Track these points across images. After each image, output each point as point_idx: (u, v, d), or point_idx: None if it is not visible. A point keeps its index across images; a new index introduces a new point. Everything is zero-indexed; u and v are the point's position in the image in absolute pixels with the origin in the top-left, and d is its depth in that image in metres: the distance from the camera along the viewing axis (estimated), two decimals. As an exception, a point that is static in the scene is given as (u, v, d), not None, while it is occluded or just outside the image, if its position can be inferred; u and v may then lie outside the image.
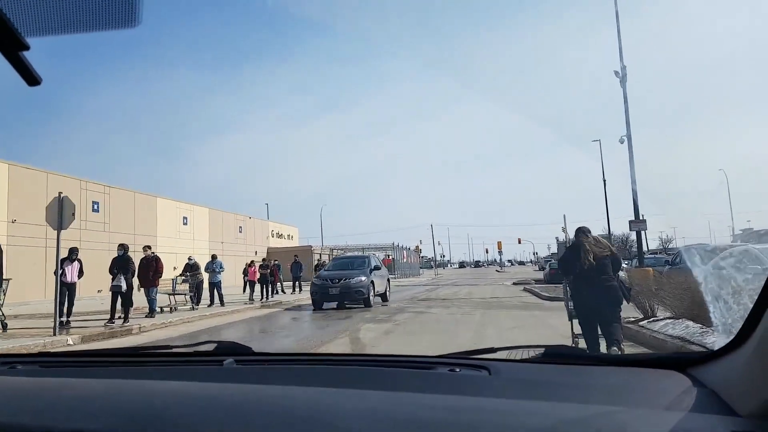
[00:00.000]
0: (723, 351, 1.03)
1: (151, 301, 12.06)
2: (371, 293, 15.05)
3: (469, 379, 1.17)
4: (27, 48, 0.70)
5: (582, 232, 6.46)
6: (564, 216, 75.13)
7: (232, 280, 36.26)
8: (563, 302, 8.41)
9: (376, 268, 16.07)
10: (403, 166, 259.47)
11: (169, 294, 13.84)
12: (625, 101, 20.27)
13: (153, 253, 12.56)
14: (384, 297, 16.88)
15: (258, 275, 19.74)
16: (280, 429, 0.74)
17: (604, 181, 51.98)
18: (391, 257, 52.66)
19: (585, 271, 6.10)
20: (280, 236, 49.10)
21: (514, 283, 30.25)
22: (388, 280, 18.17)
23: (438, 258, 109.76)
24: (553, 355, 1.36)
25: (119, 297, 10.98)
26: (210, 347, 1.52)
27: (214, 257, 16.51)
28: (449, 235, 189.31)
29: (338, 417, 0.78)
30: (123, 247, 12.06)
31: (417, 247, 68.71)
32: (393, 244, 50.85)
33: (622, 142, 20.63)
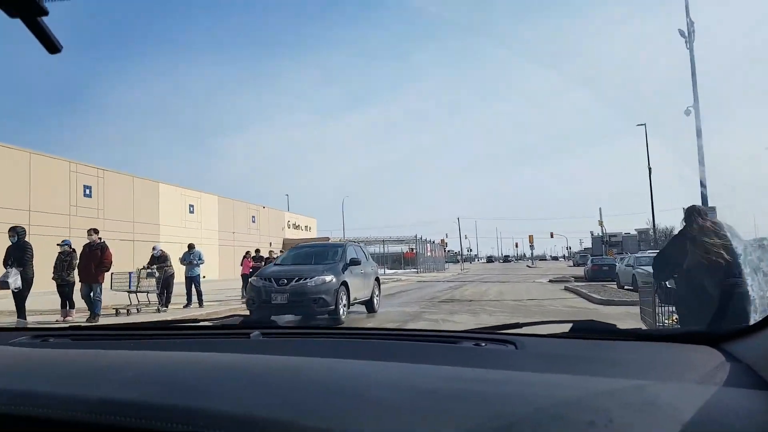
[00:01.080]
0: (759, 325, 1.03)
1: (95, 303, 9.45)
2: (342, 301, 9.79)
3: (496, 353, 1.16)
4: (45, 13, 0.68)
5: (697, 212, 4.51)
6: (600, 209, 71.03)
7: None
8: (639, 313, 6.46)
9: (354, 262, 10.69)
10: (431, 159, 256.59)
11: (129, 292, 11.22)
12: (692, 64, 17.15)
13: (100, 239, 9.89)
14: (369, 305, 11.66)
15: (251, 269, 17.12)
16: (307, 398, 0.73)
17: (650, 168, 48.12)
18: (413, 251, 49.81)
19: (699, 270, 4.25)
20: (297, 227, 46.71)
21: (551, 281, 27.13)
22: (377, 280, 12.53)
23: (465, 252, 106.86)
24: (582, 329, 1.30)
25: (18, 298, 8.36)
26: (237, 321, 1.58)
27: (191, 247, 13.82)
28: (477, 229, 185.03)
29: (364, 386, 0.77)
30: (15, 232, 8.74)
31: (442, 240, 65.70)
32: (415, 236, 47.88)
33: (688, 114, 17.46)
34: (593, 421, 0.64)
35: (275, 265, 11.19)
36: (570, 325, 1.31)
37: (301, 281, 9.58)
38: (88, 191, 22.87)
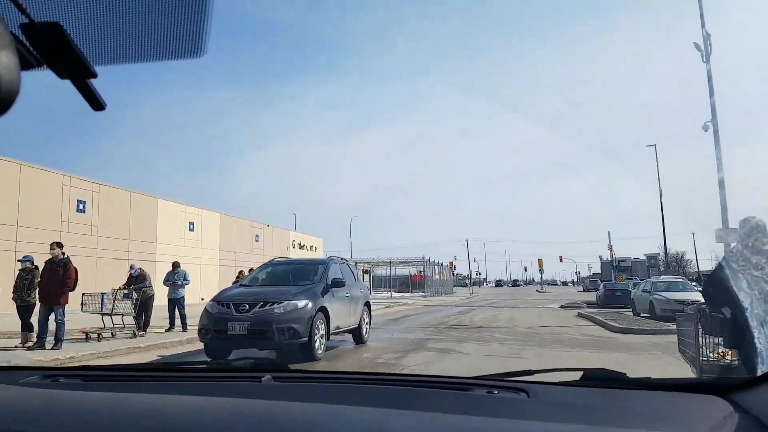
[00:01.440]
0: (767, 376, 1.04)
1: (59, 326, 8.41)
2: (319, 332, 8.00)
3: (508, 402, 1.17)
4: (95, 76, 0.71)
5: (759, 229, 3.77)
6: (609, 233, 69.77)
7: None
8: (678, 344, 5.57)
9: (337, 284, 8.92)
10: (439, 182, 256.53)
11: (102, 314, 10.19)
12: (709, 78, 16.20)
13: (64, 254, 8.87)
14: (357, 335, 9.99)
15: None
16: None
17: (661, 191, 47.05)
18: (421, 273, 48.58)
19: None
20: (302, 247, 45.70)
21: (563, 307, 25.89)
22: (368, 305, 10.68)
23: (473, 275, 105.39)
24: (593, 378, 1.31)
25: None
26: (247, 363, 1.72)
27: (176, 266, 12.65)
28: (485, 252, 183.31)
29: None
30: None
31: (451, 263, 64.44)
32: (423, 258, 46.71)
33: (705, 130, 16.43)
34: None
35: (241, 285, 9.32)
36: (581, 372, 1.31)
37: (266, 307, 7.65)
38: (81, 206, 21.95)
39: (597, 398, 1.18)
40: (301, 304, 7.87)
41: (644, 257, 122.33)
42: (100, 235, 22.75)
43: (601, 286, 28.81)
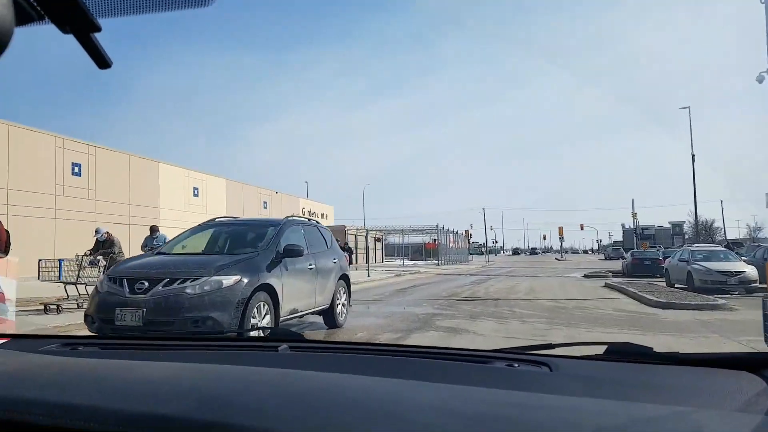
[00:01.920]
0: None
1: None
2: (258, 318, 5.84)
3: (529, 375, 1.15)
4: (99, 29, 0.69)
5: None
6: (632, 200, 67.56)
7: None
8: (763, 328, 4.97)
9: (291, 252, 6.61)
10: (455, 150, 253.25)
11: (63, 283, 8.98)
12: (770, 21, 14.17)
13: None
14: (328, 318, 7.90)
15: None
16: (346, 418, 0.72)
17: (693, 156, 44.86)
18: (435, 241, 47.22)
19: None
20: (312, 215, 44.53)
21: (586, 276, 24.43)
22: (345, 279, 8.53)
23: (490, 244, 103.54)
24: (617, 352, 1.26)
25: None
26: (263, 333, 1.71)
27: (154, 230, 11.20)
28: (503, 220, 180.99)
29: (403, 408, 0.76)
30: None
31: (466, 231, 62.87)
32: (437, 226, 45.26)
33: (761, 81, 14.53)
34: None
35: (158, 253, 6.86)
36: (605, 346, 1.28)
37: (173, 285, 5.30)
38: (77, 169, 20.86)
39: (622, 373, 1.15)
40: (227, 281, 5.46)
41: (668, 225, 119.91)
42: (98, 199, 21.68)
43: (629, 254, 27.08)
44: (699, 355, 1.21)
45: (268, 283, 6.08)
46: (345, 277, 8.60)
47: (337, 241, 20.89)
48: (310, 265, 7.31)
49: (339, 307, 8.16)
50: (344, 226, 41.94)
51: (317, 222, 8.84)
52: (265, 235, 6.96)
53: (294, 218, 8.13)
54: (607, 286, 17.49)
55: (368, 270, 22.50)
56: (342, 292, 8.39)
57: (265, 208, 35.89)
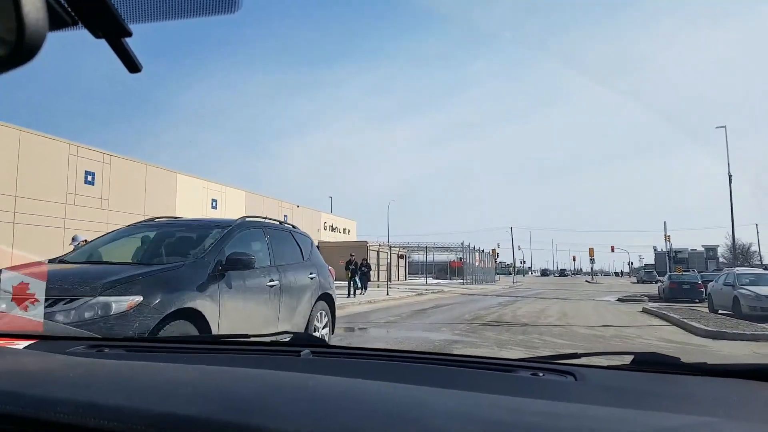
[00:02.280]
0: None
1: None
2: None
3: (554, 384, 1.14)
4: (130, 34, 0.70)
5: None
6: (665, 223, 65.06)
7: None
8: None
9: (237, 264, 4.83)
10: (483, 170, 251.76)
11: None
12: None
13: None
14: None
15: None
16: (369, 423, 0.72)
17: (730, 175, 43.10)
18: (461, 260, 45.79)
19: None
20: (334, 229, 43.70)
21: (620, 300, 22.86)
22: (326, 300, 6.77)
23: (518, 264, 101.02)
24: (644, 362, 1.25)
25: None
26: (286, 338, 1.64)
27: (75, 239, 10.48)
28: (531, 240, 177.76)
29: (427, 415, 0.75)
30: None
31: (493, 250, 61.16)
32: (462, 243, 43.87)
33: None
34: None
35: (59, 261, 5.02)
36: (631, 357, 1.26)
37: (54, 307, 3.71)
38: (90, 178, 20.38)
39: (649, 383, 1.13)
40: (120, 303, 3.78)
41: (702, 248, 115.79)
42: (111, 209, 21.11)
43: (666, 278, 25.37)
44: (728, 366, 1.17)
45: (191, 308, 4.21)
46: (326, 298, 6.66)
47: (351, 256, 19.97)
48: (272, 281, 5.48)
49: (318, 334, 6.35)
50: (366, 242, 40.94)
51: (292, 226, 7.02)
52: (204, 239, 5.07)
53: (253, 219, 6.14)
54: (645, 311, 16.02)
55: (387, 288, 21.36)
56: (322, 317, 6.56)
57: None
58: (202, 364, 1.17)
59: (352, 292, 18.14)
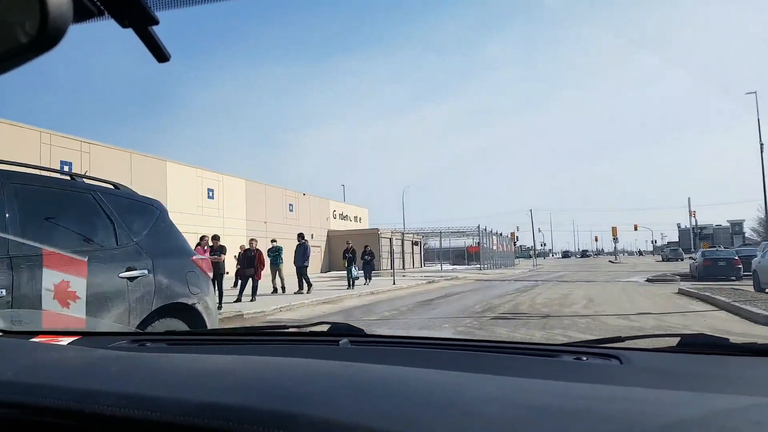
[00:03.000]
0: None
1: None
2: None
3: (598, 368, 1.13)
4: (156, 23, 0.70)
5: None
6: (689, 199, 62.16)
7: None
8: None
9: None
10: (502, 155, 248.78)
11: None
12: None
13: None
14: None
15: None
16: (411, 409, 0.70)
17: (761, 144, 40.38)
18: (479, 244, 43.85)
19: None
20: (344, 218, 42.04)
21: (649, 280, 20.89)
22: (183, 314, 3.93)
23: (538, 247, 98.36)
24: (691, 344, 1.23)
25: None
26: (324, 328, 1.58)
27: None
28: (551, 222, 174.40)
29: (469, 400, 0.74)
30: None
31: (513, 233, 59.06)
32: (478, 227, 41.89)
33: None
34: None
35: None
36: (677, 339, 1.25)
37: None
38: (66, 168, 18.97)
39: (696, 365, 1.12)
40: None
41: (727, 224, 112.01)
42: (95, 203, 19.69)
43: (699, 254, 23.10)
44: None
45: None
46: (181, 311, 3.97)
47: (348, 244, 18.17)
48: None
49: None
50: (377, 230, 39.23)
51: (98, 184, 4.04)
52: None
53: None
54: (681, 293, 14.09)
55: (393, 276, 19.58)
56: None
57: (291, 211, 33.56)
58: (242, 354, 1.24)
59: (351, 283, 16.39)
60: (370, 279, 18.07)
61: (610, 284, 19.80)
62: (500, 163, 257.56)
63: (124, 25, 0.66)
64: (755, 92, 38.52)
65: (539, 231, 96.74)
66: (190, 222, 24.00)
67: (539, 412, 0.68)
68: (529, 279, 24.60)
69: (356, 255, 17.99)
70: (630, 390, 0.83)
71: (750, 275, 22.04)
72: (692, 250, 68.46)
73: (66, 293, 3.30)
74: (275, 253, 14.54)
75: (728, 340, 1.18)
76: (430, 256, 61.28)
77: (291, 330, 1.74)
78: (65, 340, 1.50)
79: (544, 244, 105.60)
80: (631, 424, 0.63)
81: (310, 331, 1.65)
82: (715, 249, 25.13)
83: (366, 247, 19.05)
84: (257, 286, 12.91)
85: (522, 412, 0.68)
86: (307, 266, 14.72)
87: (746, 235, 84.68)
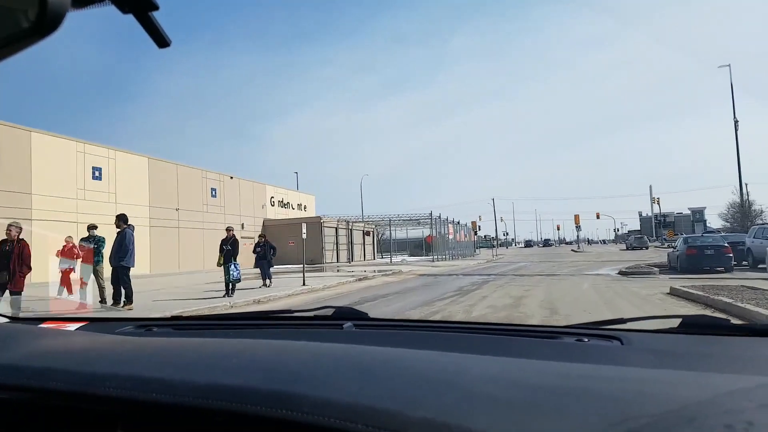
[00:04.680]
0: None
1: None
2: None
3: (599, 349, 1.14)
4: (156, 8, 0.70)
5: None
6: (650, 187, 59.95)
7: (172, 266, 25.20)
8: None
9: None
10: (466, 146, 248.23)
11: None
12: None
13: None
14: None
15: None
16: (413, 389, 0.71)
17: (736, 121, 37.58)
18: (432, 234, 40.08)
19: None
20: (285, 205, 37.69)
21: (622, 273, 17.47)
22: None
23: (501, 236, 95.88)
24: (692, 325, 1.24)
25: None
26: (329, 312, 1.59)
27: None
28: (514, 211, 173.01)
29: (470, 380, 0.74)
30: None
31: (474, 222, 55.52)
32: (431, 214, 38.12)
33: None
34: (730, 424, 0.56)
35: None
36: (679, 320, 1.25)
37: None
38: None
39: (697, 345, 1.13)
40: None
41: (689, 211, 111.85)
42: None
43: (680, 242, 19.42)
44: None
45: None
46: None
47: (261, 238, 13.95)
48: None
49: None
50: (320, 218, 35.02)
51: None
52: None
53: None
54: (674, 294, 10.37)
55: (303, 275, 15.10)
56: None
57: (214, 196, 29.00)
58: (247, 337, 1.26)
59: (230, 288, 11.53)
60: (269, 279, 13.74)
61: (577, 278, 16.19)
62: (465, 154, 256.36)
63: (124, 11, 0.65)
64: (728, 65, 35.94)
65: (501, 220, 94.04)
66: (67, 208, 19.33)
67: (540, 391, 0.68)
68: (482, 273, 20.82)
69: (268, 250, 13.82)
70: (631, 370, 0.83)
71: (745, 266, 18.96)
72: (654, 238, 67.27)
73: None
74: (96, 246, 9.76)
75: (729, 321, 1.20)
76: (389, 247, 57.64)
77: (296, 314, 1.76)
78: (73, 326, 1.52)
79: (507, 234, 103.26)
80: (632, 403, 0.63)
81: (314, 315, 1.64)
82: (700, 235, 21.70)
83: (261, 237, 14.74)
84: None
85: (523, 391, 0.69)
86: (128, 266, 9.38)
87: (707, 222, 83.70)
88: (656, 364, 0.95)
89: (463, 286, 14.41)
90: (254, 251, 13.95)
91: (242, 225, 30.27)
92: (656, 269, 18.02)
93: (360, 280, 17.20)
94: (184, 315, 3.01)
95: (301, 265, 15.66)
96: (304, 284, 14.17)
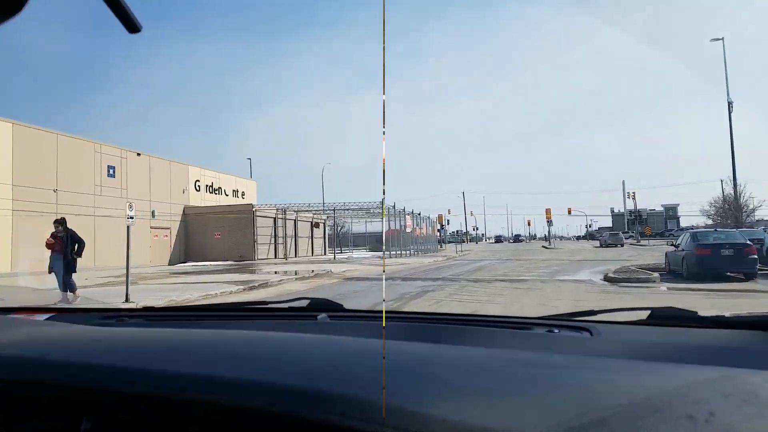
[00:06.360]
0: None
1: None
2: None
3: (569, 340, 1.15)
4: None
5: None
6: (623, 182, 56.12)
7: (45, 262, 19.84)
8: None
9: None
10: (439, 141, 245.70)
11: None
12: None
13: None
14: None
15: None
16: (380, 378, 0.71)
17: (730, 102, 33.47)
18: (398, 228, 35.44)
19: None
20: (216, 191, 32.48)
21: (609, 279, 13.27)
22: None
23: (471, 231, 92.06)
24: (661, 316, 1.26)
25: None
26: (303, 303, 1.60)
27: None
28: (485, 204, 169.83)
29: (440, 369, 0.76)
30: None
31: (440, 216, 51.05)
32: (382, 202, 33.40)
33: None
34: (691, 414, 0.57)
35: None
36: (648, 312, 1.27)
37: None
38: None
39: (666, 336, 1.15)
40: None
41: (662, 208, 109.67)
42: None
43: (687, 239, 14.70)
44: (748, 317, 1.17)
45: None
46: None
47: (58, 227, 9.39)
48: None
49: None
50: (252, 205, 29.95)
51: None
52: None
53: None
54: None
55: (127, 286, 9.56)
56: None
57: (111, 176, 23.61)
58: (220, 328, 1.25)
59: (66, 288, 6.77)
60: (68, 287, 8.67)
61: (550, 289, 11.77)
62: (437, 149, 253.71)
63: None
64: (722, 38, 32.13)
65: (472, 214, 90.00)
66: None
67: (509, 380, 0.70)
68: (430, 276, 16.22)
69: (69, 245, 8.88)
70: (599, 360, 0.85)
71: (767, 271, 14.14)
72: (629, 234, 64.34)
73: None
74: None
75: (697, 312, 1.20)
76: (346, 241, 52.96)
77: (270, 306, 1.76)
78: (43, 316, 1.50)
79: (477, 228, 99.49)
80: (599, 393, 0.64)
81: (289, 307, 1.63)
82: (713, 230, 17.31)
83: (58, 225, 9.53)
84: None
85: (492, 380, 0.69)
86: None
87: (680, 220, 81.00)
88: (623, 354, 0.95)
89: (407, 294, 9.76)
90: (48, 245, 9.01)
91: (152, 213, 25.10)
92: (657, 275, 13.71)
93: (251, 289, 12.32)
94: (156, 306, 2.83)
95: (226, 262, 10.68)
96: (126, 300, 9.14)
